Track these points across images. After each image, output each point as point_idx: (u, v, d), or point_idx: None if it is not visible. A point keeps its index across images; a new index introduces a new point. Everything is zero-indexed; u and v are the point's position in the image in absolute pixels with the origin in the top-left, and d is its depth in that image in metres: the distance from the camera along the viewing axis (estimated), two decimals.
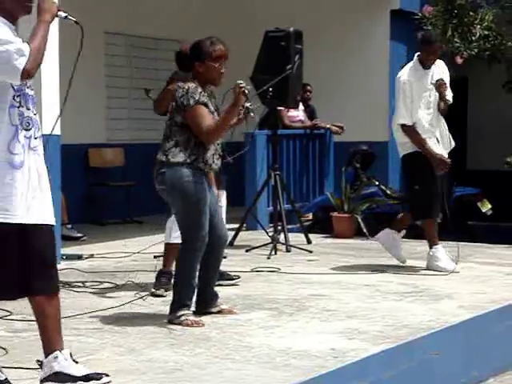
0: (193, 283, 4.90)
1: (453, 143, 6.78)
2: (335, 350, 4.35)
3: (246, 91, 4.84)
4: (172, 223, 5.68)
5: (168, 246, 5.84)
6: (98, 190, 9.87)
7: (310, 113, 10.39)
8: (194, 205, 4.83)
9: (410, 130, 6.58)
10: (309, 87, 10.30)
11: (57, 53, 6.66)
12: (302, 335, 4.69)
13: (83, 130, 9.71)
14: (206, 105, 4.85)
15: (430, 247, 6.70)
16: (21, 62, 3.45)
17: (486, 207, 9.06)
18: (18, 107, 3.59)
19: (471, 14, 9.34)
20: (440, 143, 6.68)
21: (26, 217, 3.58)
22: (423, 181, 6.57)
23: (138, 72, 10.57)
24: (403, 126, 6.60)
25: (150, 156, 10.99)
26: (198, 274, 4.94)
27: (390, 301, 5.61)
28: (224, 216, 6.04)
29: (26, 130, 3.61)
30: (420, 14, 9.60)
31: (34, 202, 3.60)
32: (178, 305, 4.90)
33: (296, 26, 7.79)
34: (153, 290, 5.69)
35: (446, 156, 6.68)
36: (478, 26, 9.19)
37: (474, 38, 9.24)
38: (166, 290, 5.61)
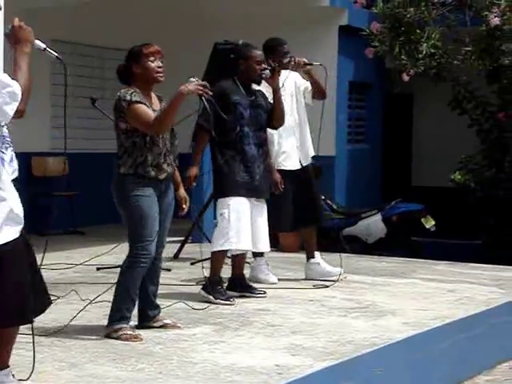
0: (133, 296, 4.84)
1: (311, 152, 6.85)
2: (280, 366, 4.31)
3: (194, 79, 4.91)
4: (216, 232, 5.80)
5: (212, 253, 5.98)
6: (41, 200, 9.70)
7: None
8: (138, 219, 4.78)
9: None
10: None
11: None
12: (246, 351, 4.64)
13: (26, 138, 9.54)
14: (140, 103, 4.77)
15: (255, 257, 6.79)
16: (13, 108, 3.38)
17: (429, 223, 9.15)
18: None
19: (418, 31, 9.44)
20: (299, 150, 6.75)
21: None
22: (272, 194, 6.66)
23: (83, 81, 10.45)
24: None
25: (94, 165, 10.95)
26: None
27: (334, 316, 5.60)
28: (266, 230, 6.09)
29: None
30: (368, 31, 9.66)
31: None
32: (116, 317, 4.83)
33: (246, 40, 7.76)
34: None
35: (299, 166, 6.74)
36: (425, 44, 9.30)
37: (420, 56, 9.34)
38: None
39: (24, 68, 3.45)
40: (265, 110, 6.07)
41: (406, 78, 9.48)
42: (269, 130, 6.38)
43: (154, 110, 4.86)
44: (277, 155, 6.67)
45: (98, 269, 7.08)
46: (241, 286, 6.14)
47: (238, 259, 6.18)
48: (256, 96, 6.05)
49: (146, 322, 5.07)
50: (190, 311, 5.59)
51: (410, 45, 9.43)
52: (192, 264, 7.47)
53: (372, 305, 5.98)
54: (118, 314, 4.83)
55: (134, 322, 5.04)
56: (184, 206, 5.20)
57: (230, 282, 6.16)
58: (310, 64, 6.68)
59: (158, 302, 5.17)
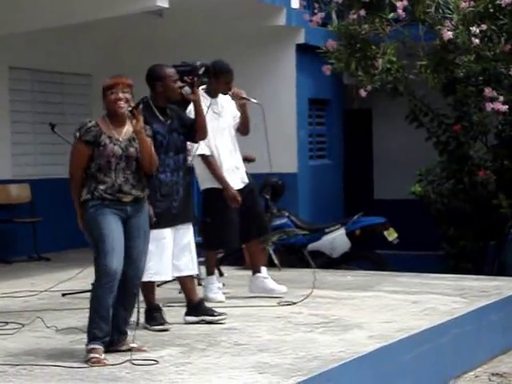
0: (102, 315, 4.84)
1: (245, 179, 6.92)
2: None
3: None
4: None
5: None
6: (3, 227, 9.66)
7: None
8: (97, 235, 4.86)
9: (209, 161, 6.72)
10: None
11: None
12: (213, 371, 4.65)
13: None
14: (87, 143, 4.90)
15: (207, 274, 6.92)
16: None
17: (392, 236, 9.23)
18: None
19: (373, 47, 9.56)
20: (238, 170, 6.87)
21: None
22: (216, 214, 6.71)
23: (43, 106, 10.44)
24: (202, 156, 6.71)
25: (58, 191, 10.90)
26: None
27: (300, 332, 5.63)
28: (193, 253, 6.05)
29: None
30: (324, 48, 9.77)
31: None
32: (89, 337, 4.86)
33: (204, 61, 7.81)
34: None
35: (241, 186, 6.84)
36: (381, 60, 9.41)
37: (376, 72, 9.46)
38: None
39: None
40: (180, 131, 5.92)
41: (363, 93, 9.58)
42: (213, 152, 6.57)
43: (116, 141, 4.93)
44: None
45: (63, 295, 7.05)
46: (197, 311, 6.01)
47: (184, 284, 6.07)
48: (172, 119, 5.88)
49: (111, 346, 5.04)
50: (157, 334, 5.60)
51: (365, 61, 9.54)
52: (158, 286, 7.44)
53: (338, 319, 6.02)
54: (90, 335, 4.86)
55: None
56: None
57: (187, 307, 6.04)
58: (247, 99, 6.79)
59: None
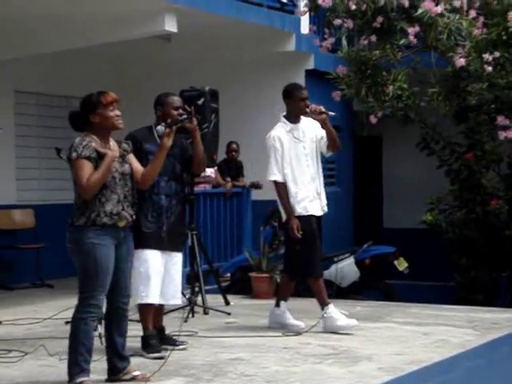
0: (88, 345, 4.71)
1: (325, 208, 6.76)
2: None
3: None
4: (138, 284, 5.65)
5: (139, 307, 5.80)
6: (7, 253, 9.54)
7: (237, 170, 10.34)
8: (92, 267, 4.70)
9: (278, 187, 6.61)
10: (234, 145, 10.27)
11: None
12: None
13: None
14: (89, 158, 4.72)
15: (322, 308, 6.63)
16: None
17: (402, 266, 9.08)
18: None
19: (384, 74, 9.48)
20: (319, 199, 6.68)
21: None
22: (304, 240, 6.54)
23: (48, 131, 10.37)
24: (274, 182, 6.63)
25: (62, 217, 10.76)
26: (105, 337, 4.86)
27: (309, 364, 5.50)
28: (179, 279, 5.95)
29: None
30: (334, 74, 9.70)
31: None
32: (76, 371, 4.69)
33: (214, 86, 7.74)
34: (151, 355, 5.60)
35: (321, 213, 6.68)
36: (391, 86, 9.33)
37: (387, 98, 9.38)
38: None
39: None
40: (180, 159, 5.91)
41: (373, 120, 9.50)
42: (288, 178, 6.46)
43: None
44: (300, 201, 6.56)
45: (66, 322, 6.90)
46: (160, 339, 5.88)
47: (155, 311, 5.90)
48: (172, 145, 5.66)
49: (114, 374, 4.94)
50: (161, 363, 5.43)
51: (376, 87, 9.46)
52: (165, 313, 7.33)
53: (347, 350, 5.89)
54: (76, 368, 4.69)
55: (103, 376, 4.91)
56: None
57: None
58: (326, 113, 6.57)
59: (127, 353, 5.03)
